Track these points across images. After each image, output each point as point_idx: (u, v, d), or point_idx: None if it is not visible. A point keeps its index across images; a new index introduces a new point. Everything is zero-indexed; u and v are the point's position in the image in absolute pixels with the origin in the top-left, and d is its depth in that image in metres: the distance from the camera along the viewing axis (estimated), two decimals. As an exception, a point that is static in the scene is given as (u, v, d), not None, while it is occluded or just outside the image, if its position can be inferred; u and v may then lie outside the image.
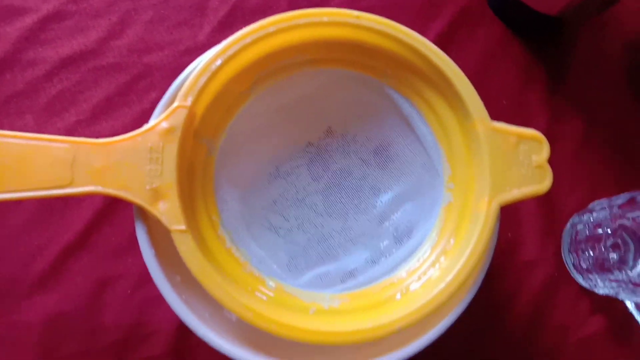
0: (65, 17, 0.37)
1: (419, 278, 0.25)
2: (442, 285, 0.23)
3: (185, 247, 0.23)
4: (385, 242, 0.29)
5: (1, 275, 0.32)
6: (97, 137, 0.23)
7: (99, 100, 0.35)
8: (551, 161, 0.25)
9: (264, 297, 0.24)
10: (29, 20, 0.36)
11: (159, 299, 0.32)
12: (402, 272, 0.26)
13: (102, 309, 0.32)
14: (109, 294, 0.32)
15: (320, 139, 0.32)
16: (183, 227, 0.23)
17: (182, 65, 0.36)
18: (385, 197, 0.30)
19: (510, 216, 0.36)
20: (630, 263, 0.31)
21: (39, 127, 0.34)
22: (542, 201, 0.36)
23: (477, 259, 0.24)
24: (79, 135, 0.35)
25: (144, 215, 0.25)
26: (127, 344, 0.32)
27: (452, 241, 0.26)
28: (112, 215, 0.33)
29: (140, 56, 0.37)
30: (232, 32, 0.25)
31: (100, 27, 0.37)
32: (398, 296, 0.25)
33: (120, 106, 0.36)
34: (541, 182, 0.25)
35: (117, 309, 0.32)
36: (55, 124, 0.35)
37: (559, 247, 0.36)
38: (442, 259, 0.25)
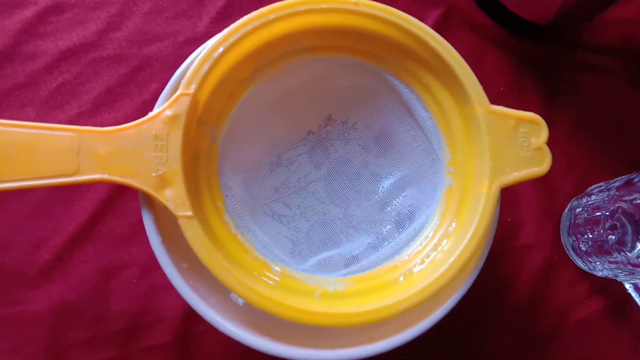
0: (64, 10, 0.37)
1: (422, 261, 0.26)
2: (444, 267, 0.24)
3: (193, 232, 0.23)
4: (388, 227, 0.29)
5: (7, 265, 0.32)
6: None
7: (100, 91, 0.36)
8: (548, 145, 0.25)
9: (270, 282, 0.25)
10: (28, 13, 0.36)
11: (164, 287, 0.33)
12: (404, 255, 0.27)
13: (108, 298, 0.32)
14: (114, 283, 0.33)
15: (321, 126, 0.32)
16: (190, 213, 0.23)
17: (181, 56, 0.36)
18: (386, 183, 0.31)
19: (509, 201, 0.36)
20: (629, 245, 0.31)
21: (41, 120, 0.35)
22: (541, 185, 0.37)
23: (479, 241, 0.24)
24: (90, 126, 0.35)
25: (150, 202, 0.25)
26: (133, 332, 0.32)
27: (453, 224, 0.26)
28: (115, 205, 0.34)
29: (139, 47, 0.37)
30: (230, 22, 0.25)
31: (99, 19, 0.37)
32: (401, 279, 0.25)
33: (121, 97, 0.36)
34: (540, 164, 0.25)
35: (123, 298, 0.33)
36: (57, 116, 0.35)
37: (558, 230, 0.36)
38: (444, 242, 0.26)
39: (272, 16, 0.26)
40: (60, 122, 0.35)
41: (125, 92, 0.36)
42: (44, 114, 0.35)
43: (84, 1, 0.38)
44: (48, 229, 0.33)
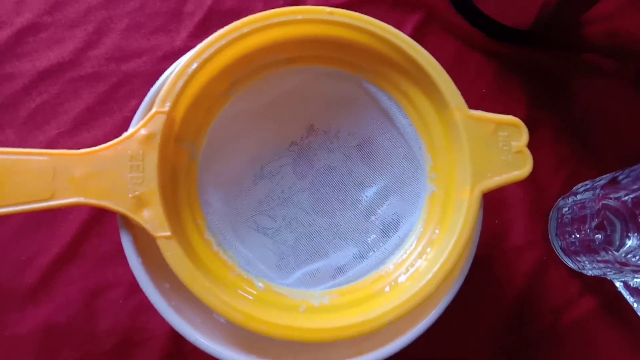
0: (40, 29, 0.37)
1: (407, 270, 0.26)
2: (429, 275, 0.24)
3: (171, 253, 0.23)
4: (373, 237, 0.29)
5: (-8, 290, 0.32)
6: (79, 148, 0.23)
7: (80, 110, 0.35)
8: (534, 145, 0.25)
9: (252, 298, 0.24)
10: (3, 34, 0.36)
11: (151, 305, 0.32)
12: (390, 265, 0.26)
13: (96, 318, 0.32)
14: (101, 303, 0.32)
15: (303, 137, 0.32)
16: (168, 233, 0.23)
17: (160, 71, 0.35)
18: (370, 192, 0.30)
19: (496, 202, 0.36)
20: (617, 243, 0.31)
21: (20, 141, 0.34)
22: (528, 186, 0.37)
23: (463, 247, 0.24)
24: (62, 147, 0.34)
25: (129, 223, 0.25)
26: (122, 351, 0.32)
27: (437, 231, 0.26)
28: (99, 224, 0.33)
29: (118, 64, 0.36)
30: (209, 35, 0.25)
31: (77, 37, 0.37)
32: (387, 289, 0.25)
33: (101, 115, 0.35)
34: (522, 168, 0.25)
35: (111, 317, 0.32)
36: (37, 137, 0.35)
37: (546, 231, 0.36)
38: (428, 249, 0.26)
39: (246, 29, 0.25)
40: (40, 143, 0.34)
41: (105, 110, 0.36)
42: (24, 135, 0.34)
43: (60, 20, 0.37)
44: (32, 251, 0.33)
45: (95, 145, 0.23)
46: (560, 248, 0.34)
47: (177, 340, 0.32)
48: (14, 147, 0.27)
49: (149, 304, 0.32)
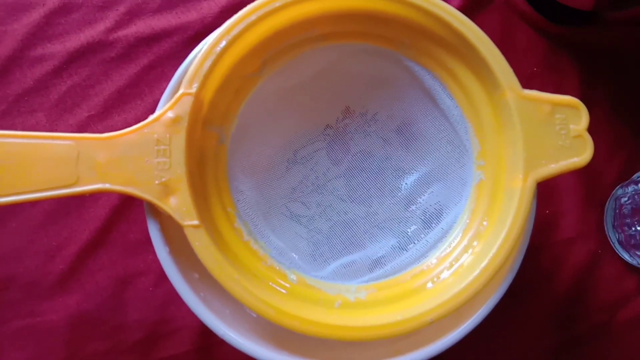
0: (71, 10, 0.36)
1: (451, 265, 0.24)
2: (476, 272, 0.22)
3: (200, 242, 0.21)
4: (413, 227, 0.27)
5: (22, 276, 0.31)
6: (110, 131, 0.22)
7: (110, 93, 0.34)
8: (588, 129, 0.23)
9: (285, 291, 0.23)
10: (35, 14, 0.35)
11: (181, 294, 0.32)
12: (432, 259, 0.25)
13: (125, 308, 0.32)
14: (130, 292, 0.32)
15: (339, 119, 0.30)
16: (196, 222, 0.21)
17: (190, 52, 0.34)
18: (410, 179, 0.28)
19: (547, 191, 0.34)
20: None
21: (51, 125, 0.34)
22: (582, 173, 0.34)
23: (514, 241, 0.22)
24: (92, 130, 0.34)
25: (156, 211, 0.24)
26: (151, 341, 0.31)
27: (485, 223, 0.24)
28: (128, 211, 0.33)
29: (149, 45, 0.35)
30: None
31: (108, 18, 0.36)
32: (429, 285, 0.23)
33: (132, 98, 0.34)
34: (581, 154, 0.23)
35: (140, 307, 0.32)
36: (68, 120, 0.34)
37: (601, 221, 0.33)
38: (475, 243, 0.24)
39: (277, 3, 0.23)
40: (70, 126, 0.34)
41: (136, 93, 0.35)
42: (54, 118, 0.34)
43: (91, 1, 0.36)
44: (62, 238, 0.32)
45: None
46: (618, 241, 0.32)
47: (206, 331, 0.31)
48: (45, 131, 0.26)
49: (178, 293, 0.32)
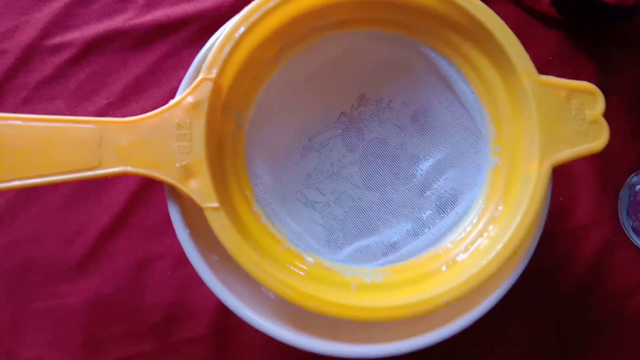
0: (91, 1, 0.36)
1: (466, 248, 0.24)
2: (491, 254, 0.22)
3: (219, 224, 0.22)
4: (428, 212, 0.27)
5: (42, 259, 0.32)
6: (128, 118, 0.23)
7: (128, 81, 0.35)
8: (604, 116, 0.23)
9: (303, 274, 0.23)
10: (55, 5, 0.36)
11: (198, 278, 0.32)
12: (447, 242, 0.25)
13: (143, 291, 0.32)
14: (148, 275, 0.32)
15: (354, 107, 0.31)
16: (216, 204, 0.22)
17: (207, 40, 0.35)
18: (425, 165, 0.29)
19: (562, 177, 0.34)
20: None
21: (70, 112, 0.34)
22: (597, 160, 0.34)
23: (529, 225, 0.22)
24: (111, 117, 0.34)
25: (176, 194, 0.24)
26: (169, 324, 0.32)
27: (500, 208, 0.24)
28: (147, 196, 0.33)
29: (166, 34, 0.36)
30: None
31: (127, 10, 0.36)
32: (444, 268, 0.24)
33: (149, 86, 0.35)
34: (597, 139, 0.23)
35: (158, 290, 0.32)
36: (86, 107, 0.34)
37: (615, 209, 0.33)
38: (490, 227, 0.24)
39: (295, -10, 0.24)
40: (89, 113, 0.34)
41: (154, 81, 0.35)
42: (74, 105, 0.34)
43: (111, -9, 0.37)
44: (81, 222, 0.33)
45: (143, 116, 0.22)
46: (632, 228, 0.32)
47: (223, 314, 0.32)
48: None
49: (196, 276, 0.32)
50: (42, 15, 0.36)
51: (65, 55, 0.35)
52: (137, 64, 0.35)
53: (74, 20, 0.36)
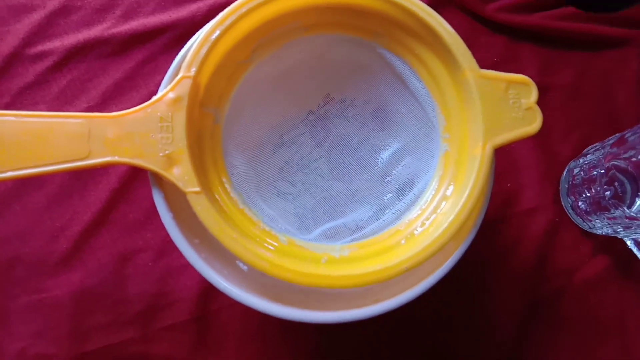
0: (70, 12, 0.39)
1: (423, 224, 0.27)
2: (444, 226, 0.25)
3: (201, 207, 0.24)
4: (389, 196, 0.30)
5: (28, 255, 0.34)
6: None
7: (107, 86, 0.37)
8: (545, 110, 0.26)
9: (277, 250, 0.26)
10: (36, 16, 0.38)
11: (178, 269, 0.35)
12: (405, 220, 0.28)
13: (126, 282, 0.34)
14: (130, 267, 0.34)
15: (320, 105, 0.33)
16: (197, 189, 0.24)
17: (182, 47, 0.37)
18: (385, 155, 0.32)
19: (509, 167, 0.37)
20: (628, 201, 0.32)
21: (52, 116, 0.36)
22: (540, 150, 0.38)
23: (476, 199, 0.25)
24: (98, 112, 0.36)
25: (160, 182, 0.26)
26: (151, 313, 0.34)
27: (451, 187, 0.27)
28: (127, 192, 0.35)
29: (143, 42, 0.38)
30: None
31: (105, 20, 0.39)
32: (403, 242, 0.26)
33: (128, 90, 0.37)
34: (532, 123, 0.26)
35: (140, 281, 0.34)
36: (67, 111, 0.36)
37: (558, 193, 0.37)
38: (443, 204, 0.27)
39: (264, -3, 0.27)
40: (70, 117, 0.36)
41: (132, 85, 0.37)
42: (55, 109, 0.36)
43: (90, 3, 0.39)
44: (65, 219, 0.34)
45: (123, 117, 0.25)
46: (572, 208, 0.35)
47: (204, 300, 0.34)
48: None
49: (176, 267, 0.34)
50: (23, 26, 0.38)
51: (46, 62, 0.37)
52: (116, 70, 0.37)
53: (54, 29, 0.38)
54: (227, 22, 0.26)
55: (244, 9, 0.26)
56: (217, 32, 0.26)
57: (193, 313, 0.34)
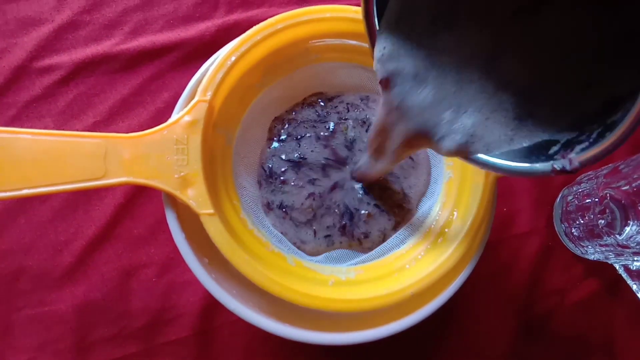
0: (79, 27, 0.39)
1: (426, 249, 0.28)
2: (449, 251, 0.26)
3: (214, 228, 0.25)
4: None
5: (32, 268, 0.34)
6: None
7: (115, 101, 0.37)
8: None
9: (286, 272, 0.26)
10: (44, 29, 0.38)
11: (182, 284, 0.35)
12: (410, 244, 0.29)
13: (129, 297, 0.34)
14: (134, 282, 0.34)
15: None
16: (211, 210, 0.25)
17: (190, 65, 0.38)
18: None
19: (505, 192, 0.38)
20: (618, 229, 0.33)
21: (58, 129, 0.36)
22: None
23: (479, 225, 0.26)
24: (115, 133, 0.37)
25: (173, 202, 0.27)
26: (154, 328, 0.34)
27: (455, 213, 0.28)
28: (133, 208, 0.35)
29: (151, 59, 0.39)
30: (236, 31, 0.27)
31: (113, 36, 0.39)
32: (408, 266, 0.27)
33: (135, 106, 0.38)
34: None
35: (143, 296, 0.34)
36: (74, 125, 0.37)
37: (551, 218, 0.38)
38: (446, 230, 0.28)
39: (279, 26, 0.28)
40: (77, 131, 0.36)
41: (139, 101, 0.38)
42: (62, 123, 0.37)
43: (98, 19, 0.39)
44: (69, 233, 0.35)
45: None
46: (565, 234, 0.37)
47: (206, 316, 0.34)
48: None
49: (179, 282, 0.35)
50: (31, 39, 0.38)
51: (53, 76, 0.37)
52: (123, 86, 0.38)
53: (62, 44, 0.38)
54: (243, 48, 0.27)
55: (258, 37, 0.27)
56: (233, 58, 0.27)
57: (196, 328, 0.34)
